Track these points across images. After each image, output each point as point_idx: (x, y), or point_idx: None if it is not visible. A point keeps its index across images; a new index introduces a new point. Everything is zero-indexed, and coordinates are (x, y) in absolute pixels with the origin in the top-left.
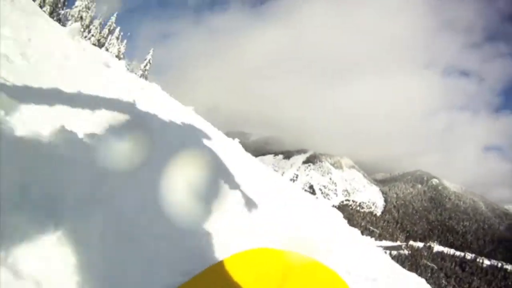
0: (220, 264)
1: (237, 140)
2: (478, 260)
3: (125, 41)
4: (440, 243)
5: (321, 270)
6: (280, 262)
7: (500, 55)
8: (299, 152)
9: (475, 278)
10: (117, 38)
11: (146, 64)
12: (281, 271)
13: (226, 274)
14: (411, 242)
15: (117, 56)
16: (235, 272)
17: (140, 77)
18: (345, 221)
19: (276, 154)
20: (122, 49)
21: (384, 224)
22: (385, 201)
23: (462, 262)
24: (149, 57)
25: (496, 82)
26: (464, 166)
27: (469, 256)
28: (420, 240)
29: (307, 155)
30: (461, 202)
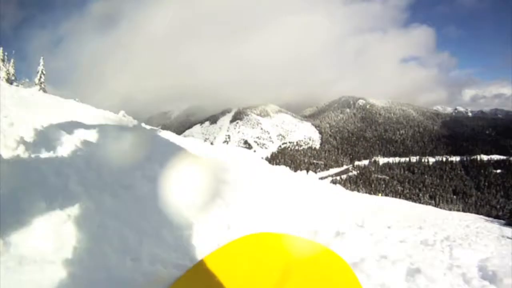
0: (219, 251)
1: (122, 112)
2: (423, 160)
3: (12, 60)
4: (384, 155)
5: (326, 255)
6: (282, 247)
7: None
8: (224, 113)
9: (426, 176)
10: (3, 60)
11: (40, 76)
12: (284, 257)
13: (226, 261)
14: (356, 163)
15: (7, 80)
16: (234, 258)
17: (39, 91)
18: (271, 167)
19: (201, 122)
20: (12, 70)
21: (326, 154)
22: (320, 133)
23: (409, 166)
24: (40, 67)
25: None
26: (386, 81)
27: (413, 159)
28: (364, 158)
29: (232, 113)
30: (392, 114)
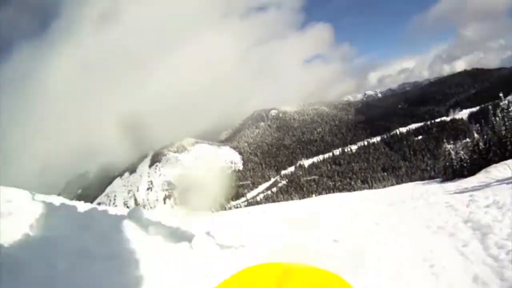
0: None
1: None
2: (346, 150)
3: None
4: (307, 157)
5: (319, 274)
6: (273, 273)
7: None
8: (141, 159)
9: (353, 164)
10: None
11: None
12: (275, 282)
13: None
14: (283, 172)
15: None
16: None
17: None
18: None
19: (121, 175)
20: None
21: (251, 173)
22: (240, 153)
23: (334, 159)
24: None
25: (293, 1)
26: (294, 85)
27: (336, 151)
28: (289, 165)
29: (149, 157)
30: (306, 116)
